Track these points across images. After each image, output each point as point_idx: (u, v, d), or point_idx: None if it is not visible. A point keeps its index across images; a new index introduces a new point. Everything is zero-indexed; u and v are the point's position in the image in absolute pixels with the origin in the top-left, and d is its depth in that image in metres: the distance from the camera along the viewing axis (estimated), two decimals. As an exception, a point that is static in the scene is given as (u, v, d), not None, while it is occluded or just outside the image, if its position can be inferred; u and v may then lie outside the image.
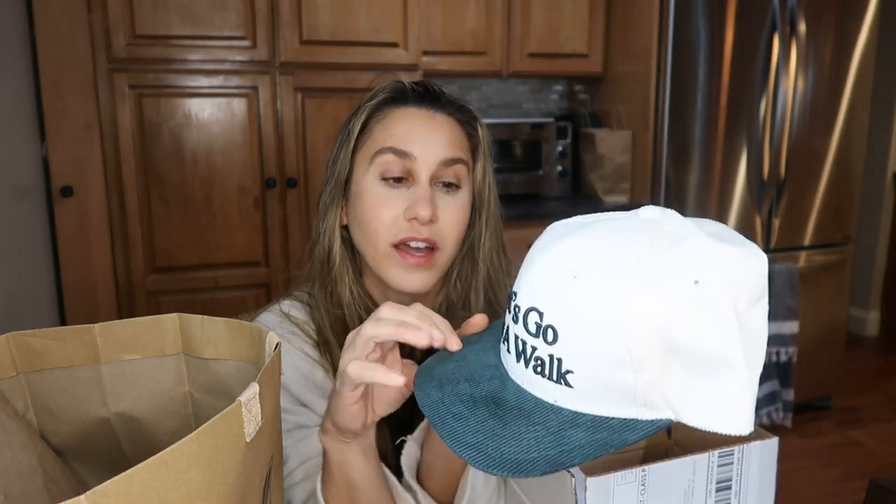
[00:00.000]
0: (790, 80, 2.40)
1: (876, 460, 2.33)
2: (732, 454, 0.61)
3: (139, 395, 0.47)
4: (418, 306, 0.55)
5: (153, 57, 2.06)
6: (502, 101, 2.95)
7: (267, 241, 2.25)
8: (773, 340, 2.41)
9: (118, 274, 2.12)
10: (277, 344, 0.43)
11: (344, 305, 0.76)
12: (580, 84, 2.92)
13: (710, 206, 2.43)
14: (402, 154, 0.72)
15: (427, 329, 0.52)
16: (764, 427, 0.65)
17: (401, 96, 0.76)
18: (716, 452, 0.60)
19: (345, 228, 0.78)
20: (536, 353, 0.43)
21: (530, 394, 0.44)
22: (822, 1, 2.41)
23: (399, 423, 0.71)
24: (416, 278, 0.71)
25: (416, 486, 0.67)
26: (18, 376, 0.45)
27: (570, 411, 0.43)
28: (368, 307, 0.77)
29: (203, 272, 2.20)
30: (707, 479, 0.60)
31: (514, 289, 0.45)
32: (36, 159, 2.00)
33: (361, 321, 0.58)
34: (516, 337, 0.44)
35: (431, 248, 0.71)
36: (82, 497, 0.26)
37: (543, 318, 0.42)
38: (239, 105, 2.16)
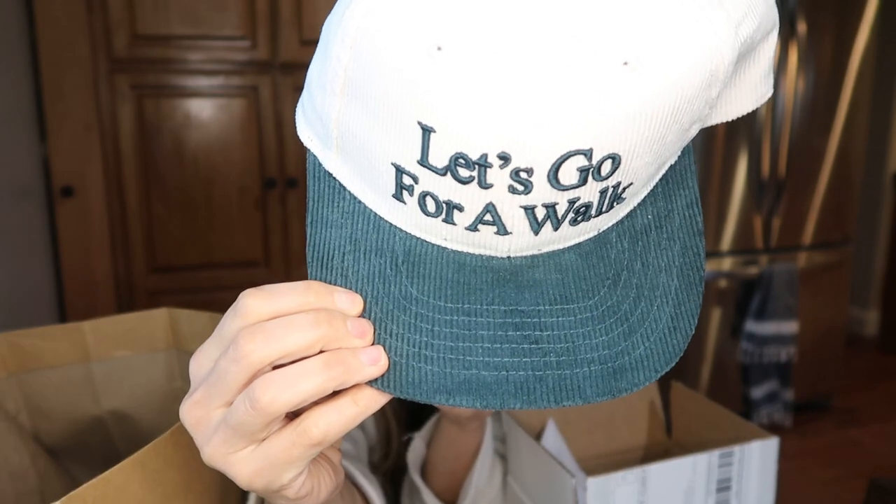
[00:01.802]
0: (790, 79, 2.40)
1: (875, 460, 2.32)
2: (732, 454, 0.60)
3: (131, 392, 0.46)
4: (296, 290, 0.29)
5: (154, 57, 2.06)
6: (502, 102, 2.95)
7: (267, 242, 2.25)
8: (773, 340, 2.41)
9: (119, 274, 2.12)
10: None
11: None
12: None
13: (709, 205, 2.43)
14: None
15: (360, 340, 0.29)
16: (764, 427, 0.64)
17: None
18: (716, 452, 0.60)
19: None
20: (578, 203, 0.30)
21: (560, 250, 0.32)
22: (822, 1, 2.40)
23: (409, 415, 0.71)
24: None
25: (420, 484, 0.66)
26: (10, 377, 0.44)
27: (623, 222, 0.34)
28: None
29: (203, 272, 2.20)
30: (707, 479, 0.59)
31: (501, 150, 0.27)
32: (36, 159, 2.00)
33: None
34: (529, 208, 0.29)
35: None
36: (58, 503, 0.26)
37: (594, 155, 0.28)
38: (239, 105, 2.16)
